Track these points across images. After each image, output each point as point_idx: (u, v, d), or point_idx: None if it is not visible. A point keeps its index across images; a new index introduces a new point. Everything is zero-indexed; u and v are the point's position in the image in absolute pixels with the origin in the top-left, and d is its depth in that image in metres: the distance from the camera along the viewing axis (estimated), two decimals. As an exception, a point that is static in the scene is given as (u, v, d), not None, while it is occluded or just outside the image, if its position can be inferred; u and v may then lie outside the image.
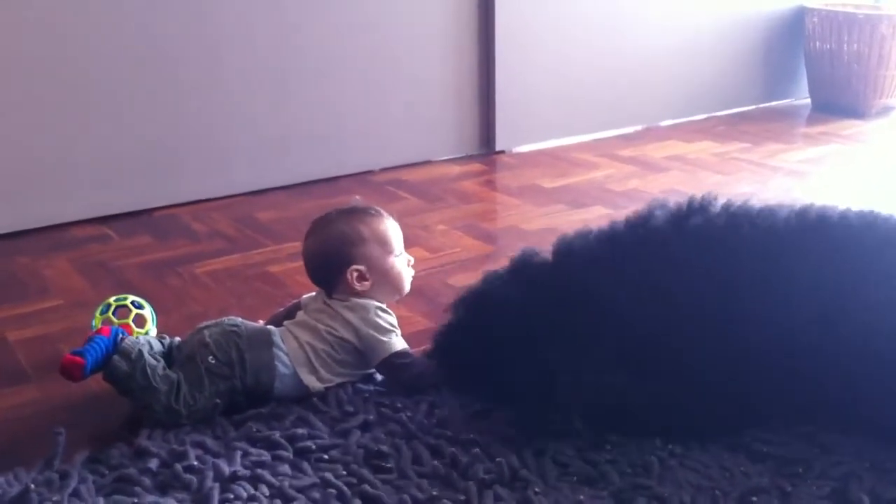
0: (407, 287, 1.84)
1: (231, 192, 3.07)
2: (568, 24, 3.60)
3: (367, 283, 1.77)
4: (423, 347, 1.74)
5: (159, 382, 1.61)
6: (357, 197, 1.90)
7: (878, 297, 1.41)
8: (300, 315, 1.81)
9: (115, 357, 1.62)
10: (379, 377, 1.77)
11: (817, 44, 4.09)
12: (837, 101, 4.06)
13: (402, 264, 1.82)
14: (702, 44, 3.96)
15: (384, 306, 1.78)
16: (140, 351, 1.63)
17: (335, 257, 1.77)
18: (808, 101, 4.26)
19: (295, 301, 1.90)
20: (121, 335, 1.69)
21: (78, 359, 1.61)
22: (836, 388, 1.45)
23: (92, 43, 2.76)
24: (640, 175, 3.21)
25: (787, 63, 4.25)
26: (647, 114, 3.91)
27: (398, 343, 1.74)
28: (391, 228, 1.81)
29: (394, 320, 1.78)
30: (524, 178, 3.23)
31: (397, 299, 1.85)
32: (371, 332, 1.73)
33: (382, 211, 1.84)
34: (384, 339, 1.73)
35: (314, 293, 1.85)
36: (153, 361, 1.64)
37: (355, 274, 1.76)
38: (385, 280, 1.79)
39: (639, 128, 3.88)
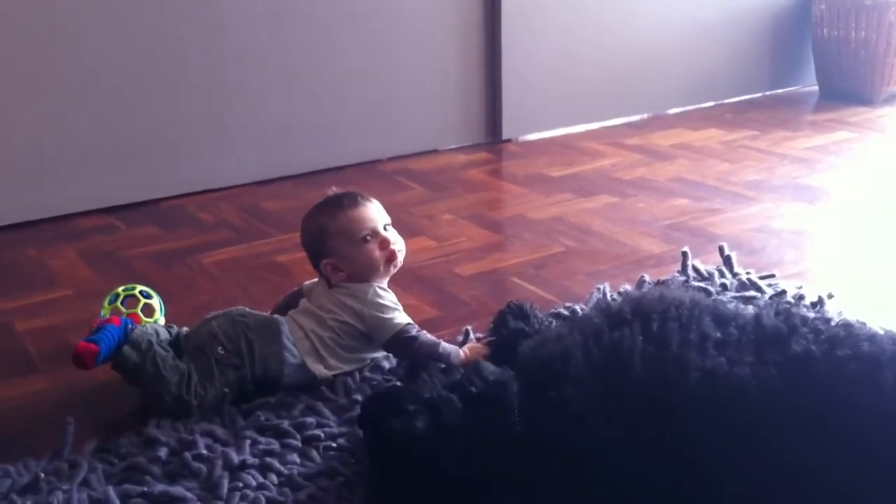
0: (384, 267, 1.78)
1: (237, 181, 3.07)
2: (574, 12, 3.59)
3: (342, 273, 1.77)
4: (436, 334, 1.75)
5: (169, 373, 1.62)
6: (333, 188, 1.88)
7: None
8: (303, 303, 1.82)
9: (126, 347, 1.63)
10: (387, 366, 1.77)
11: (825, 31, 4.07)
12: (845, 89, 4.04)
13: (376, 248, 1.77)
14: (709, 31, 3.94)
15: (384, 285, 1.79)
16: (150, 341, 1.64)
17: (311, 254, 1.82)
18: (816, 88, 4.24)
19: (296, 289, 1.91)
20: (130, 325, 1.69)
21: (92, 346, 1.61)
22: None
23: (98, 33, 2.76)
24: (647, 163, 3.21)
25: (794, 50, 4.23)
26: (654, 102, 3.90)
27: (402, 319, 1.75)
28: (359, 215, 1.78)
29: (394, 298, 1.78)
30: (530, 167, 3.22)
31: (387, 278, 1.81)
32: (374, 312, 1.73)
33: (356, 196, 1.81)
34: (387, 316, 1.73)
35: (315, 279, 1.86)
36: (163, 352, 1.64)
37: (329, 267, 1.78)
38: (358, 268, 1.77)
39: (645, 116, 3.87)
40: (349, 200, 1.80)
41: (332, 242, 1.77)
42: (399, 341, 1.73)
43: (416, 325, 1.76)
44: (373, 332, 1.74)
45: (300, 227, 1.85)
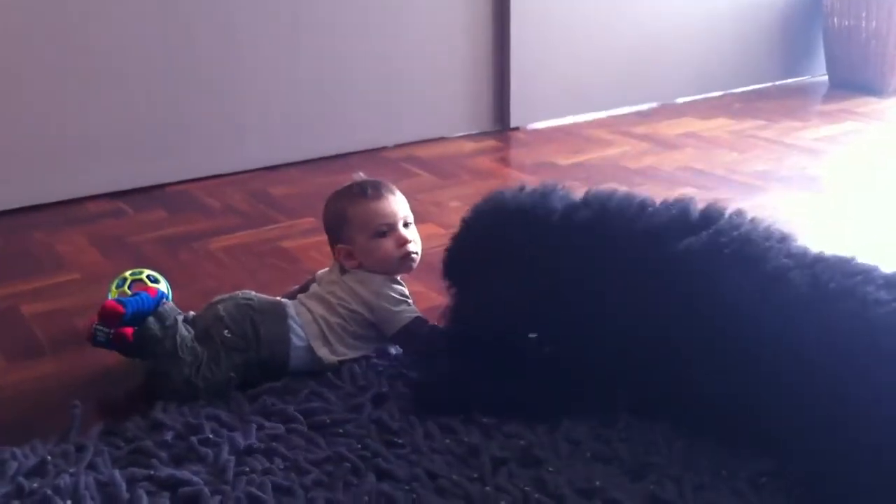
0: (397, 264, 1.78)
1: (244, 167, 3.07)
2: (582, 0, 3.58)
3: (353, 261, 1.77)
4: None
5: (185, 353, 1.62)
6: (359, 173, 1.87)
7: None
8: (314, 287, 1.82)
9: (150, 319, 1.63)
10: (392, 352, 1.77)
11: (835, 20, 4.05)
12: (855, 79, 4.03)
13: (391, 245, 1.76)
14: (718, 20, 3.93)
15: (396, 277, 1.79)
16: (176, 319, 1.65)
17: (329, 235, 1.81)
18: (826, 78, 4.23)
19: (309, 277, 1.91)
20: (165, 300, 1.70)
21: (119, 307, 1.62)
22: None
23: (106, 19, 2.76)
24: (655, 152, 3.20)
25: (804, 40, 4.21)
26: (662, 91, 3.89)
27: (411, 311, 1.75)
28: (379, 208, 1.77)
29: (405, 290, 1.78)
30: (538, 155, 3.22)
31: (399, 274, 1.81)
32: (383, 304, 1.73)
33: (380, 187, 1.80)
34: (397, 309, 1.73)
35: (328, 268, 1.86)
36: (185, 332, 1.65)
37: (342, 252, 1.78)
38: (371, 260, 1.77)
39: (654, 105, 3.86)
40: (373, 190, 1.79)
41: (350, 230, 1.77)
42: (406, 334, 1.73)
43: (425, 318, 1.75)
44: (381, 323, 1.74)
45: (322, 207, 1.84)
